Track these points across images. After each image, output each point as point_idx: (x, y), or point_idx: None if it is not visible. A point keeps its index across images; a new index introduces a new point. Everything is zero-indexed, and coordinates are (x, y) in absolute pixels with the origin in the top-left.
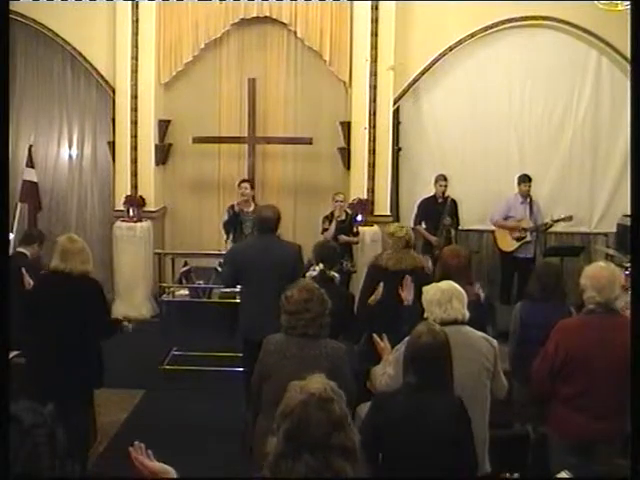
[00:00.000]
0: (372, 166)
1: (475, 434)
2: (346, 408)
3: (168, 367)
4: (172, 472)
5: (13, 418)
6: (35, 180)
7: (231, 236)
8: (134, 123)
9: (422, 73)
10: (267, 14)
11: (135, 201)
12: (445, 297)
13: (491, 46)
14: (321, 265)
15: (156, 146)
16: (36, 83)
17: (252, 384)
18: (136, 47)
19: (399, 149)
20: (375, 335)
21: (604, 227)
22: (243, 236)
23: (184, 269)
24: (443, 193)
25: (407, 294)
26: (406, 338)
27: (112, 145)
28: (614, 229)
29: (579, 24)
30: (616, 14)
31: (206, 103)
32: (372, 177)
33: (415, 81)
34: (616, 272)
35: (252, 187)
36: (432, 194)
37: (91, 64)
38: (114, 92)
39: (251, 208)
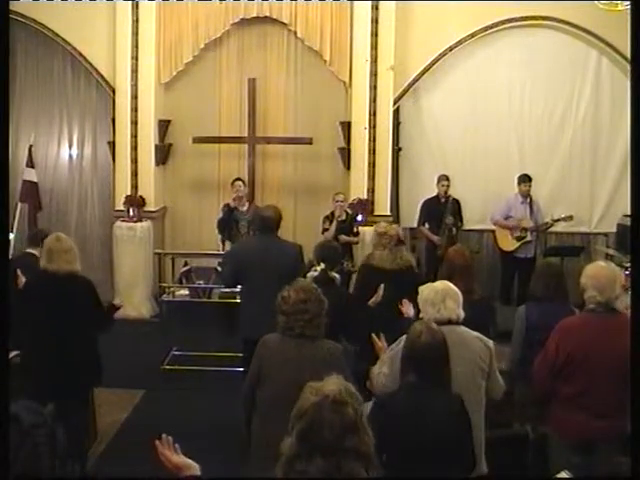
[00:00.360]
0: (372, 166)
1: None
2: (362, 411)
3: (168, 367)
4: (196, 468)
5: (13, 418)
6: (35, 180)
7: (226, 234)
8: (134, 123)
9: (422, 73)
10: (267, 14)
11: (135, 201)
12: (439, 297)
13: (491, 46)
14: (322, 265)
15: (156, 146)
16: (36, 83)
17: (246, 385)
18: (136, 47)
19: (399, 149)
20: (374, 335)
21: (604, 227)
22: (239, 235)
23: (184, 269)
24: (445, 193)
25: (407, 309)
26: (403, 337)
27: (112, 145)
28: (614, 229)
29: (579, 24)
30: (616, 14)
31: (206, 103)
32: (372, 177)
33: (415, 81)
34: (616, 271)
35: (245, 185)
36: (435, 194)
37: (91, 64)
38: (114, 92)
39: (245, 207)
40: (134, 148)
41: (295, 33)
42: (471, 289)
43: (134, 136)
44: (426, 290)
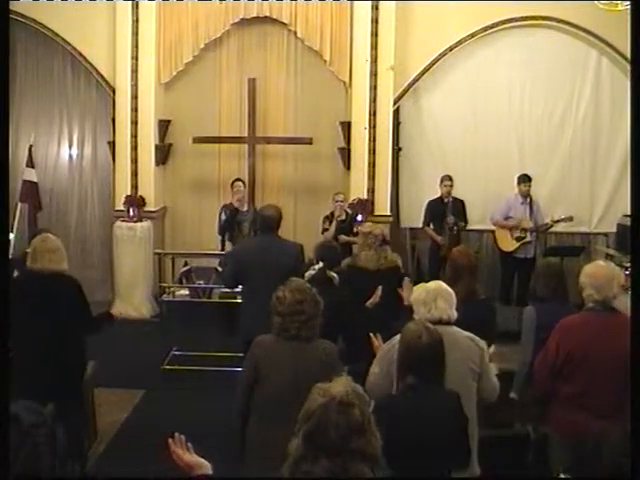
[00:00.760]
0: (372, 166)
1: None
2: (369, 412)
3: (168, 367)
4: (208, 467)
5: (13, 418)
6: (35, 180)
7: (227, 236)
8: (134, 123)
9: (422, 73)
10: (267, 14)
11: (135, 201)
12: (430, 297)
13: (491, 46)
14: (321, 263)
15: (156, 146)
16: (36, 83)
17: (241, 387)
18: (136, 47)
19: (399, 149)
20: (372, 334)
21: (604, 227)
22: (241, 236)
23: (184, 269)
24: (448, 193)
25: (407, 294)
26: (397, 336)
27: (112, 145)
28: (614, 229)
29: (579, 24)
30: (616, 14)
31: (206, 103)
32: (372, 177)
33: (415, 81)
34: (615, 271)
35: (245, 185)
36: (438, 195)
37: (91, 64)
38: (114, 92)
39: (245, 207)
40: (134, 148)
41: (295, 33)
42: (474, 290)
43: (134, 136)
44: (418, 290)
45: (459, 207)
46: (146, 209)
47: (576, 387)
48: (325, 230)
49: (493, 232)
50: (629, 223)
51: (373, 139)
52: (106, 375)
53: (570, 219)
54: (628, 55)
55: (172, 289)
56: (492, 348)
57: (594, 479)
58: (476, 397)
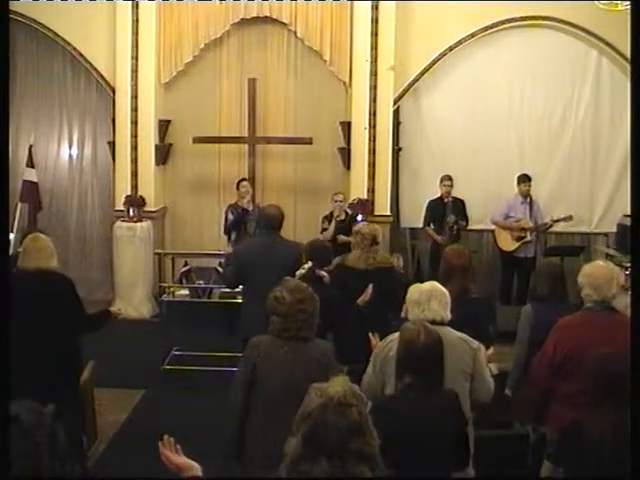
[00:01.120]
0: (372, 166)
1: None
2: (366, 412)
3: (168, 367)
4: (198, 468)
5: (13, 418)
6: (35, 180)
7: (234, 236)
8: (134, 123)
9: (422, 73)
10: (267, 14)
11: (135, 201)
12: (424, 297)
13: (491, 46)
14: (310, 263)
15: (156, 146)
16: (36, 83)
17: (237, 388)
18: (136, 47)
19: (399, 149)
20: (370, 334)
21: (604, 227)
22: (247, 236)
23: (184, 269)
24: (448, 193)
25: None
26: (390, 336)
27: (112, 145)
28: (614, 229)
29: (579, 24)
30: (616, 14)
31: (206, 103)
32: (372, 177)
33: (415, 81)
34: (614, 270)
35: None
36: (439, 195)
37: (91, 64)
38: (114, 92)
39: (250, 207)
40: (134, 148)
41: (295, 33)
42: (467, 288)
43: (134, 136)
44: (412, 290)
45: (459, 207)
46: (146, 209)
47: (574, 386)
48: (324, 230)
49: (493, 232)
50: (629, 223)
51: (373, 139)
52: (106, 375)
53: (570, 218)
54: (628, 55)
55: (172, 289)
56: (491, 349)
57: (594, 479)
58: (470, 398)
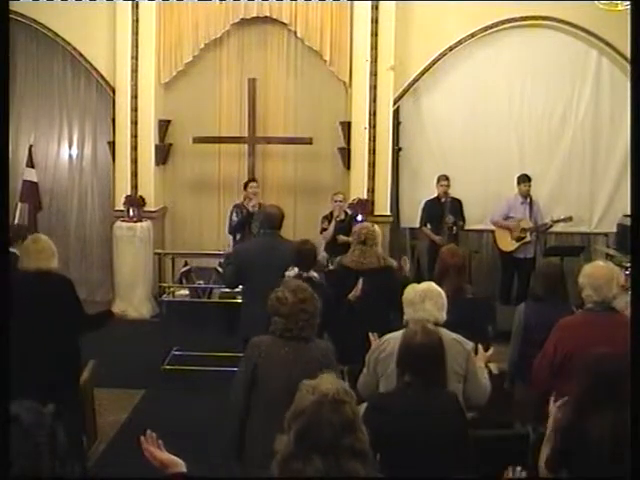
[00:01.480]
0: (372, 166)
1: None
2: (357, 409)
3: (168, 367)
4: (182, 465)
5: (13, 418)
6: (35, 180)
7: (238, 237)
8: (134, 123)
9: (422, 73)
10: (267, 14)
11: (135, 201)
12: (418, 298)
13: (491, 46)
14: (296, 269)
15: (156, 146)
16: (36, 83)
17: (238, 389)
18: (136, 47)
19: (399, 149)
20: (370, 334)
21: (604, 227)
22: (252, 235)
23: (184, 269)
24: (445, 193)
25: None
26: (385, 337)
27: (112, 145)
28: (614, 229)
29: (579, 24)
30: (616, 14)
31: (206, 103)
32: (372, 177)
33: (415, 81)
34: (614, 271)
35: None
36: (435, 195)
37: (91, 64)
38: (114, 92)
39: (256, 207)
40: (134, 148)
41: (295, 33)
42: (461, 288)
43: (134, 136)
44: (408, 290)
45: (457, 206)
46: (146, 209)
47: (575, 387)
48: (324, 230)
49: (493, 232)
50: (629, 223)
51: (373, 139)
52: (106, 375)
53: (570, 219)
54: (628, 55)
55: (172, 289)
56: (491, 349)
57: (594, 479)
58: (464, 400)
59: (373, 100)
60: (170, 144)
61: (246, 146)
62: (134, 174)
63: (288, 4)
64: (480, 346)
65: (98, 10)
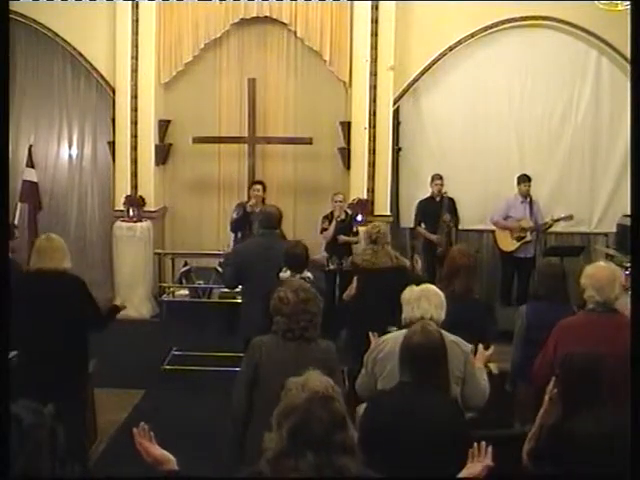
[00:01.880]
0: (372, 166)
1: None
2: (344, 406)
3: (168, 367)
4: (174, 461)
5: (13, 418)
6: (35, 180)
7: (239, 235)
8: (134, 123)
9: (422, 73)
10: (267, 14)
11: (135, 201)
12: (414, 297)
13: (491, 46)
14: (288, 272)
15: (156, 146)
16: (36, 83)
17: (240, 389)
18: (136, 47)
19: (399, 149)
20: (370, 333)
21: (604, 227)
22: (252, 235)
23: (184, 269)
24: (440, 192)
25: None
26: (383, 337)
27: (112, 145)
28: (614, 229)
29: (579, 24)
30: (616, 14)
31: (206, 103)
32: (372, 177)
33: (415, 81)
34: (616, 272)
35: (264, 189)
36: (429, 194)
37: (91, 64)
38: (114, 92)
39: (259, 208)
40: (134, 148)
41: (295, 33)
42: (471, 289)
43: (134, 136)
44: (406, 290)
45: (451, 205)
46: (146, 209)
47: None
48: (324, 230)
49: (493, 232)
50: (629, 223)
51: (373, 139)
52: (106, 375)
53: (570, 218)
54: (628, 55)
55: (172, 289)
56: (491, 349)
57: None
58: (462, 402)
59: (373, 100)
60: (170, 144)
61: (246, 146)
62: (134, 174)
63: (288, 4)
64: (480, 346)
65: (98, 10)
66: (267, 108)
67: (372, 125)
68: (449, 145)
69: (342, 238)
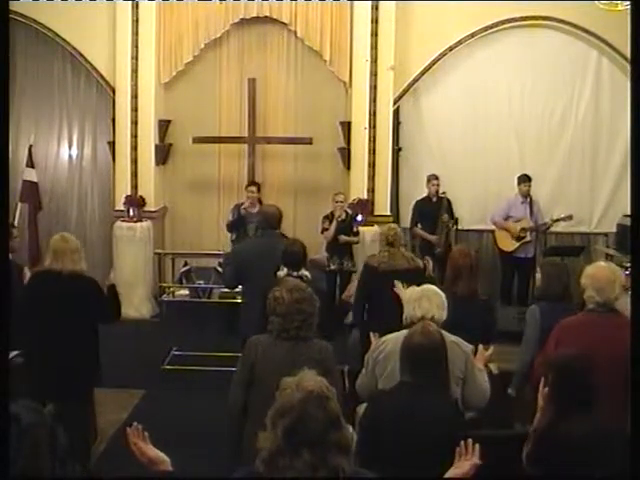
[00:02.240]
0: (372, 166)
1: None
2: (339, 405)
3: (168, 367)
4: (169, 462)
5: (13, 418)
6: (35, 180)
7: (234, 236)
8: (134, 123)
9: (422, 73)
10: (267, 14)
11: (135, 201)
12: (415, 296)
13: (491, 46)
14: (285, 270)
15: (156, 146)
16: (36, 83)
17: (236, 388)
18: (136, 47)
19: (399, 149)
20: (371, 333)
21: (604, 227)
22: (247, 237)
23: (184, 269)
24: (437, 192)
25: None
26: (384, 337)
27: (112, 145)
28: (614, 229)
29: (579, 24)
30: (616, 14)
31: (206, 103)
32: (372, 177)
33: (415, 81)
34: (617, 272)
35: (259, 190)
36: (425, 195)
37: (91, 64)
38: (114, 92)
39: (256, 209)
40: (134, 148)
41: (295, 33)
42: (475, 290)
43: (134, 136)
44: (408, 290)
45: (448, 205)
46: (146, 209)
47: None
48: (325, 230)
49: (493, 232)
50: (629, 223)
51: (373, 139)
52: (106, 375)
53: (570, 218)
54: (628, 55)
55: (172, 289)
56: (491, 349)
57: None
58: (463, 403)
59: (373, 100)
60: (170, 144)
61: (246, 146)
62: (134, 174)
63: (288, 4)
64: (480, 346)
65: (98, 10)
66: (267, 108)
67: (372, 125)
68: (449, 145)
69: (343, 238)
